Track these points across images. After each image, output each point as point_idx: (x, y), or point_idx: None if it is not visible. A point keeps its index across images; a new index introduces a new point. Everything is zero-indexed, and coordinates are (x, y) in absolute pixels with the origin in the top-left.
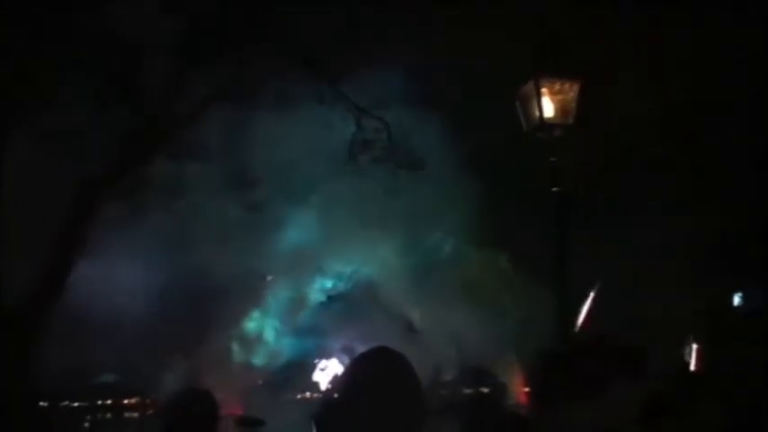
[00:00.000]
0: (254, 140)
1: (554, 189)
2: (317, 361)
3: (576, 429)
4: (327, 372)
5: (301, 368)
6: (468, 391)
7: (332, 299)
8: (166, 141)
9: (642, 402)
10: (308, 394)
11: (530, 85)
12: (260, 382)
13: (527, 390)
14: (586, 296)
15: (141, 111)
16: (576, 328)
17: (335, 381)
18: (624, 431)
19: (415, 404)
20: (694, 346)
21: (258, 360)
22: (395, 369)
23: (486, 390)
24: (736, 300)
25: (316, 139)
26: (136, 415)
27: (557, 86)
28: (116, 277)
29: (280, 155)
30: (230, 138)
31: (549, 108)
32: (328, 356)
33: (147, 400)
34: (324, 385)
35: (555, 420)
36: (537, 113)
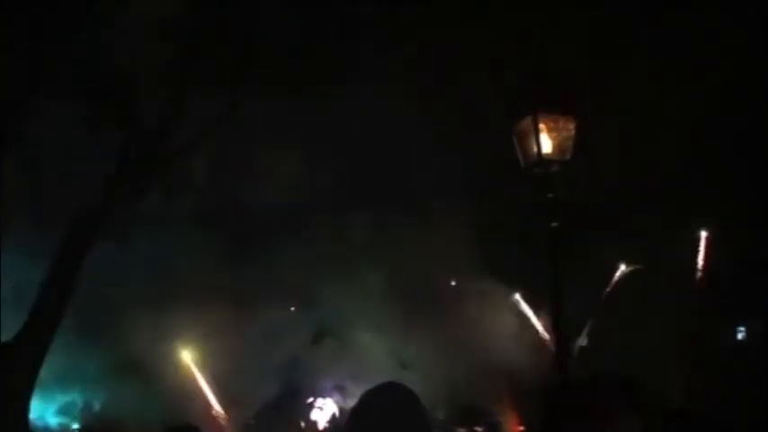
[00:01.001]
0: (240, 175)
1: (552, 224)
2: (310, 399)
3: None
4: (326, 411)
5: (292, 407)
6: (461, 430)
7: (321, 335)
8: (163, 174)
9: None
10: None
11: (527, 121)
12: (252, 421)
13: (521, 428)
14: None
15: (136, 142)
16: None
17: (333, 420)
18: None
19: None
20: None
21: (246, 398)
22: (404, 405)
23: (480, 428)
24: (740, 335)
25: (304, 174)
26: None
27: (554, 123)
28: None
29: (266, 190)
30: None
31: (546, 144)
32: (321, 395)
33: None
34: (322, 425)
35: None
36: (535, 149)
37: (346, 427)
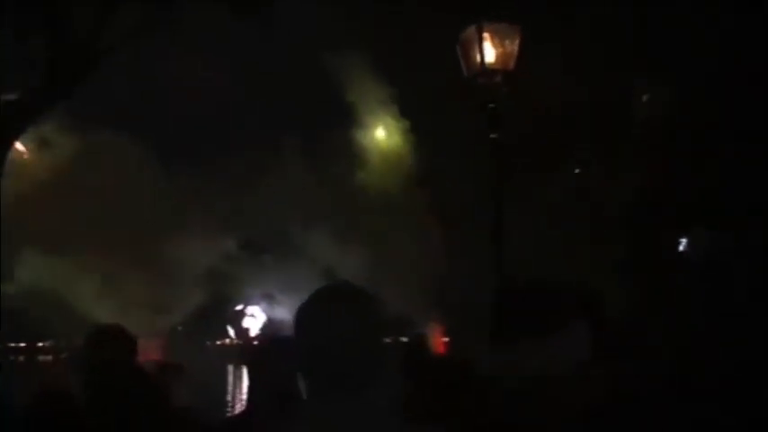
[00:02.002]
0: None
1: (492, 136)
2: (240, 306)
3: (527, 371)
4: (258, 319)
5: (220, 314)
6: (387, 340)
7: (248, 246)
8: (88, 72)
9: (594, 347)
10: (227, 341)
11: (471, 30)
12: (179, 328)
13: (446, 339)
14: None
15: (62, 39)
16: None
17: (264, 328)
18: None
19: (372, 341)
20: None
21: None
22: (359, 305)
23: (405, 339)
24: (682, 246)
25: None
26: (50, 358)
27: (499, 32)
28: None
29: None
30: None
31: (490, 53)
32: (247, 303)
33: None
34: (254, 332)
35: (506, 361)
36: (478, 59)
37: (296, 326)
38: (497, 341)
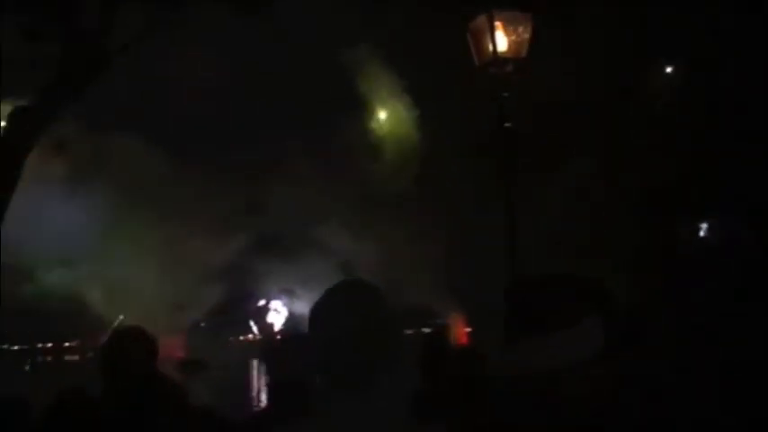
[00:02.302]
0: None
1: (505, 125)
2: (263, 302)
3: (531, 369)
4: (282, 313)
5: (242, 309)
6: (408, 332)
7: (266, 241)
8: (99, 73)
9: (606, 341)
10: (250, 336)
11: (482, 19)
12: (202, 324)
13: (468, 330)
14: None
15: (72, 40)
16: None
17: (287, 322)
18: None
19: (385, 336)
20: None
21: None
22: (367, 301)
23: (427, 330)
24: (702, 231)
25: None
26: (76, 358)
27: (511, 20)
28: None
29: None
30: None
31: (502, 42)
32: (270, 298)
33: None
34: (278, 326)
35: (511, 360)
36: (490, 48)
37: (311, 323)
38: (506, 338)
